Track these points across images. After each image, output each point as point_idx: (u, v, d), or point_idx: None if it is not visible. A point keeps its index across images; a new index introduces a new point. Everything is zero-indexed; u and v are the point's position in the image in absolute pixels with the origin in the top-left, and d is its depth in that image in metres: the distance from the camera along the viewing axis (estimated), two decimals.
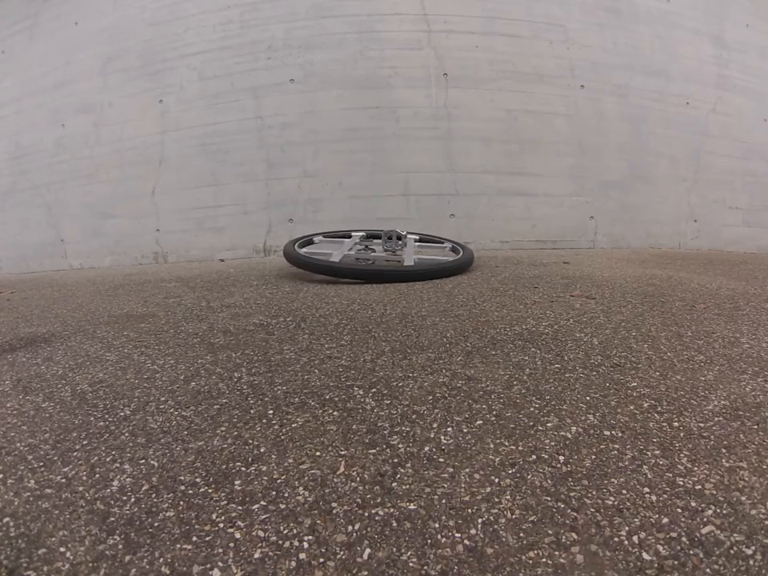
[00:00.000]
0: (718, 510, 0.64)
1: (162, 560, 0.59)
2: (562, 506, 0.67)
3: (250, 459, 0.80)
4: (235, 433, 0.89)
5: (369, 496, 0.70)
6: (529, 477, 0.73)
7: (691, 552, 0.58)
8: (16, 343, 1.56)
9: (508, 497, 0.69)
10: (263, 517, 0.66)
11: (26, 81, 4.02)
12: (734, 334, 1.40)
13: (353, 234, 3.04)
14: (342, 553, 0.60)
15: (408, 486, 0.72)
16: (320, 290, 2.18)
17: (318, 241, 2.97)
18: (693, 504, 0.66)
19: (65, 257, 3.88)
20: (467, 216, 3.53)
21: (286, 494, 0.71)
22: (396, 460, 0.78)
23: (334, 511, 0.67)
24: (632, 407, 0.95)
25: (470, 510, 0.66)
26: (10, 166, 4.03)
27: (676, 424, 0.88)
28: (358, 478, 0.74)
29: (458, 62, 3.52)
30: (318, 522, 0.65)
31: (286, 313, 1.78)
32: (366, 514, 0.66)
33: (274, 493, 0.71)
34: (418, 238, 3.03)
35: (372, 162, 3.51)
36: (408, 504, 0.68)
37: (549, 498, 0.68)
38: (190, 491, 0.72)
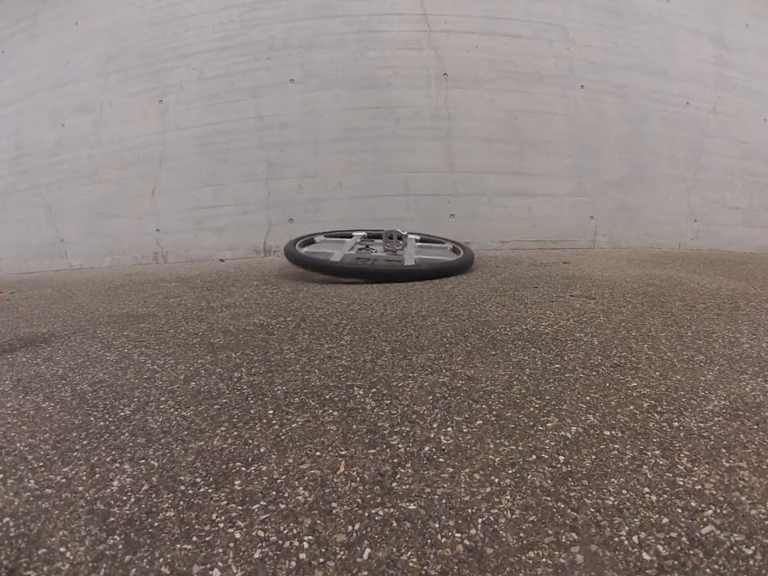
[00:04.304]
0: (718, 510, 0.64)
1: (162, 560, 0.59)
2: (562, 505, 0.67)
3: (250, 459, 0.80)
4: (235, 433, 0.89)
5: (369, 496, 0.70)
6: (529, 477, 0.73)
7: (691, 552, 0.58)
8: (16, 343, 1.56)
9: (508, 497, 0.69)
10: (263, 517, 0.66)
11: (26, 81, 4.01)
12: (733, 334, 1.40)
13: (354, 233, 3.04)
14: (342, 553, 0.60)
15: (408, 486, 0.72)
16: (320, 290, 2.18)
17: (319, 240, 2.98)
18: (693, 504, 0.66)
19: (65, 257, 3.88)
20: (467, 216, 3.53)
21: (286, 494, 0.71)
22: (396, 460, 0.78)
23: (334, 511, 0.67)
24: (632, 407, 0.95)
25: (470, 510, 0.66)
26: (10, 165, 4.03)
27: (676, 424, 0.88)
28: (358, 478, 0.74)
29: (458, 61, 3.52)
30: (318, 522, 0.65)
31: (285, 313, 1.78)
32: (366, 514, 0.66)
33: (274, 493, 0.71)
34: (419, 238, 3.03)
35: (372, 162, 3.51)
36: (408, 504, 0.68)
37: (549, 498, 0.68)
38: (190, 491, 0.72)
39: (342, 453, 0.81)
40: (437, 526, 0.64)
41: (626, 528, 0.62)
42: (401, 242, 2.71)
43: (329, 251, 2.68)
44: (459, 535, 0.62)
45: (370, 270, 2.42)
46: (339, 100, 3.50)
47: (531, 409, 0.95)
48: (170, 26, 3.68)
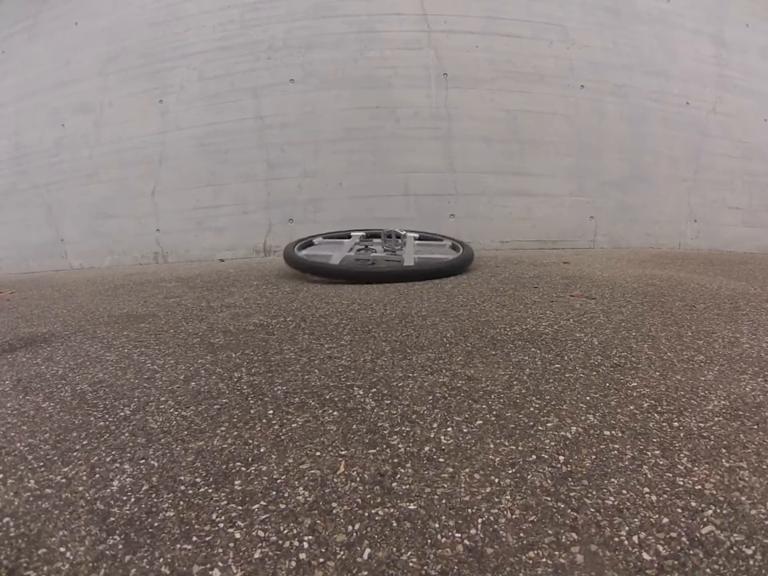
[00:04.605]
0: (718, 510, 0.64)
1: (162, 560, 0.59)
2: (562, 505, 0.67)
3: (249, 459, 0.80)
4: (235, 433, 0.89)
5: (369, 496, 0.70)
6: (529, 477, 0.73)
7: (691, 552, 0.58)
8: (16, 343, 1.56)
9: (508, 497, 0.69)
10: (263, 517, 0.66)
11: (26, 81, 4.01)
12: (733, 334, 1.40)
13: (352, 234, 3.04)
14: (342, 553, 0.60)
15: (408, 486, 0.72)
16: (320, 290, 2.18)
17: (317, 242, 2.97)
18: (693, 504, 0.66)
19: (65, 257, 3.88)
20: (467, 216, 3.53)
21: (286, 494, 0.71)
22: (396, 460, 0.78)
23: (334, 511, 0.67)
24: (632, 407, 0.95)
25: (470, 510, 0.66)
26: (10, 165, 4.03)
27: (676, 424, 0.88)
28: (358, 478, 0.74)
29: (458, 61, 3.52)
30: (318, 521, 0.65)
31: (286, 313, 1.78)
32: (366, 514, 0.66)
33: (274, 493, 0.71)
34: (417, 236, 3.02)
35: (372, 162, 3.51)
36: (408, 504, 0.68)
37: (549, 498, 0.68)
38: (190, 491, 0.72)
39: (342, 453, 0.81)
40: (437, 525, 0.64)
41: (626, 528, 0.62)
42: (399, 242, 2.71)
43: (328, 253, 2.67)
44: (459, 535, 0.62)
45: (369, 272, 2.42)
46: (339, 100, 3.50)
47: (531, 409, 0.95)
48: (170, 26, 3.68)
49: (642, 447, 0.80)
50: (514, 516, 0.65)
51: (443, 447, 0.82)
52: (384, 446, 0.83)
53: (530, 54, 3.57)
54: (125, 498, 0.71)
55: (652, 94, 3.75)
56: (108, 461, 0.81)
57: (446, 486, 0.71)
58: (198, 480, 0.75)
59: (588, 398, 0.99)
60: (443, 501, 0.68)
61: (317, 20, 3.53)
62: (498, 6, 3.56)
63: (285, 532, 0.63)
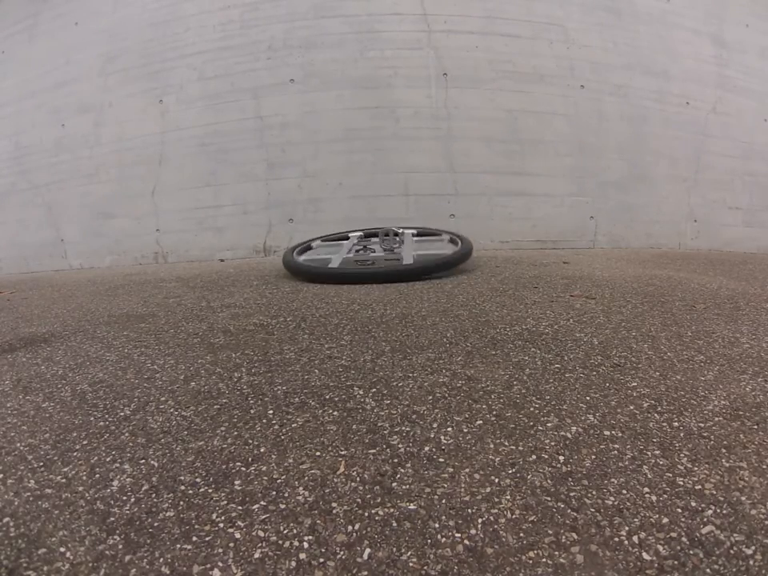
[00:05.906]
0: (718, 510, 0.64)
1: (162, 560, 0.59)
2: (562, 505, 0.66)
3: (250, 459, 0.80)
4: (235, 433, 0.89)
5: (369, 496, 0.70)
6: (529, 477, 0.73)
7: (691, 552, 0.58)
8: (16, 343, 1.56)
9: (508, 497, 0.69)
10: (263, 517, 0.66)
11: (26, 81, 4.01)
12: (733, 334, 1.40)
13: (350, 234, 3.03)
14: (342, 553, 0.60)
15: (408, 486, 0.72)
16: (320, 290, 2.18)
17: (315, 246, 2.98)
18: (693, 504, 0.66)
19: (65, 257, 3.88)
20: (467, 216, 3.53)
21: (286, 494, 0.71)
22: (396, 460, 0.78)
23: (334, 511, 0.67)
24: (632, 407, 0.95)
25: (470, 510, 0.66)
26: (10, 165, 4.03)
27: (676, 424, 0.88)
28: (358, 478, 0.74)
29: (458, 61, 3.52)
30: (318, 521, 0.65)
31: (286, 313, 1.78)
32: (366, 514, 0.66)
33: (274, 493, 0.71)
34: (415, 232, 3.01)
35: (372, 162, 3.51)
36: (408, 504, 0.68)
37: (549, 498, 0.68)
38: (190, 491, 0.72)
39: (342, 453, 0.81)
40: (437, 525, 0.64)
41: (626, 528, 0.62)
42: (397, 239, 2.71)
43: (327, 256, 2.67)
44: (459, 535, 0.62)
45: (369, 272, 2.41)
46: (339, 100, 3.50)
47: (531, 409, 0.95)
48: (170, 26, 3.68)
49: (642, 447, 0.80)
50: (513, 516, 0.65)
51: (443, 447, 0.82)
52: (384, 446, 0.83)
53: (530, 53, 3.58)
54: (125, 498, 0.71)
55: (652, 94, 3.75)
56: (108, 461, 0.81)
57: (446, 486, 0.71)
58: (198, 480, 0.75)
59: (588, 398, 0.99)
60: (443, 501, 0.68)
61: (317, 20, 3.53)
62: (497, 5, 3.56)
63: (285, 532, 0.63)
